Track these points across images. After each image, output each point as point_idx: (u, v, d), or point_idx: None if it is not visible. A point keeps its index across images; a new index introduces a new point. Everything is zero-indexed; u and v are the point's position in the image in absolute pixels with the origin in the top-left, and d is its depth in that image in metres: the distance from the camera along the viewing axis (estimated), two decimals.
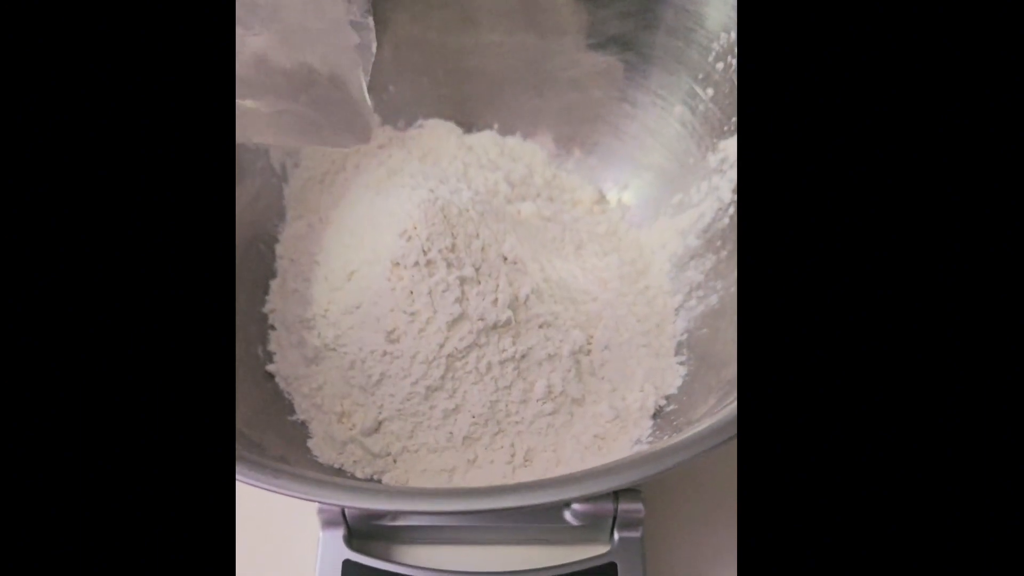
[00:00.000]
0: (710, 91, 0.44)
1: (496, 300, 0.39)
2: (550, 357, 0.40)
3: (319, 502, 0.34)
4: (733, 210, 0.43)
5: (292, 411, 0.40)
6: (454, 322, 0.38)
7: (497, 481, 0.38)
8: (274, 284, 0.44)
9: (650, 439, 0.39)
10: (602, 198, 0.49)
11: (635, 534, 0.38)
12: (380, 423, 0.39)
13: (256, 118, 0.39)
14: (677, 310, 0.44)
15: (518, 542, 0.40)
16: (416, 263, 0.38)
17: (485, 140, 0.50)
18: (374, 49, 0.41)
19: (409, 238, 0.39)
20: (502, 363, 0.39)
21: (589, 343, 0.41)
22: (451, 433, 0.39)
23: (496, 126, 0.50)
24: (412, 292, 0.38)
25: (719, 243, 0.43)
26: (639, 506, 0.37)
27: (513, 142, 0.50)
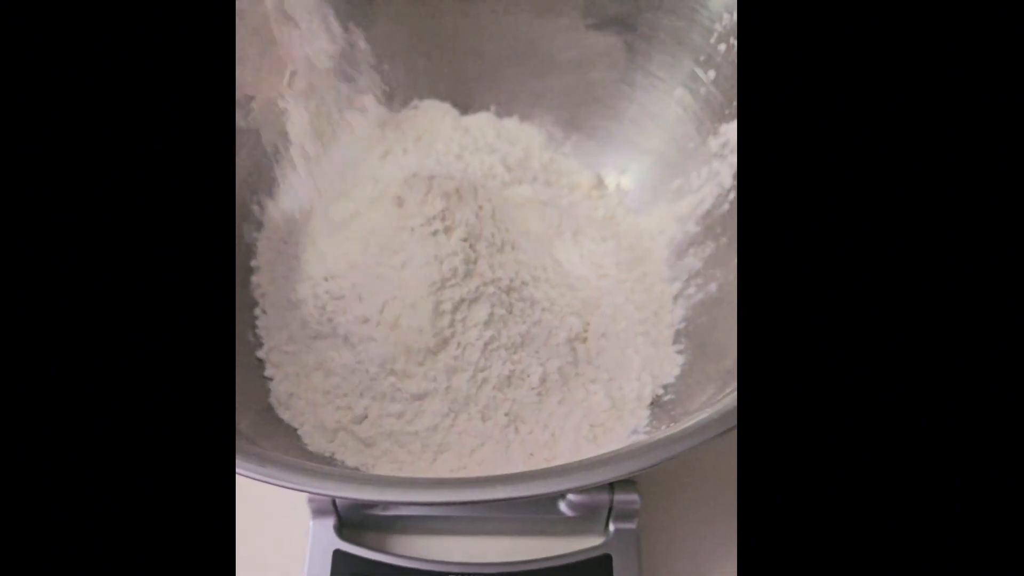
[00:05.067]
0: (712, 73, 0.43)
1: (491, 285, 0.38)
2: (546, 344, 0.39)
3: (309, 492, 0.34)
4: (734, 196, 0.42)
5: (282, 398, 0.40)
6: (448, 307, 0.38)
7: (491, 470, 0.37)
8: (264, 268, 0.44)
9: (647, 429, 0.38)
10: (600, 182, 0.48)
11: (631, 525, 0.38)
12: (371, 411, 0.38)
13: None
14: (675, 298, 0.43)
15: (512, 533, 0.40)
16: (416, 243, 0.38)
17: (482, 122, 0.49)
18: None
19: (404, 219, 0.38)
20: (497, 349, 0.38)
21: (586, 330, 0.41)
22: (444, 421, 0.38)
23: (493, 108, 0.49)
24: (405, 276, 0.38)
25: (719, 230, 0.43)
26: (635, 497, 0.37)
27: (510, 124, 0.49)
